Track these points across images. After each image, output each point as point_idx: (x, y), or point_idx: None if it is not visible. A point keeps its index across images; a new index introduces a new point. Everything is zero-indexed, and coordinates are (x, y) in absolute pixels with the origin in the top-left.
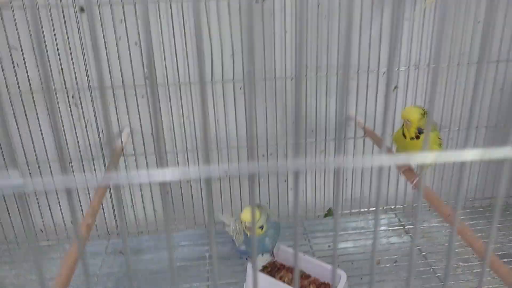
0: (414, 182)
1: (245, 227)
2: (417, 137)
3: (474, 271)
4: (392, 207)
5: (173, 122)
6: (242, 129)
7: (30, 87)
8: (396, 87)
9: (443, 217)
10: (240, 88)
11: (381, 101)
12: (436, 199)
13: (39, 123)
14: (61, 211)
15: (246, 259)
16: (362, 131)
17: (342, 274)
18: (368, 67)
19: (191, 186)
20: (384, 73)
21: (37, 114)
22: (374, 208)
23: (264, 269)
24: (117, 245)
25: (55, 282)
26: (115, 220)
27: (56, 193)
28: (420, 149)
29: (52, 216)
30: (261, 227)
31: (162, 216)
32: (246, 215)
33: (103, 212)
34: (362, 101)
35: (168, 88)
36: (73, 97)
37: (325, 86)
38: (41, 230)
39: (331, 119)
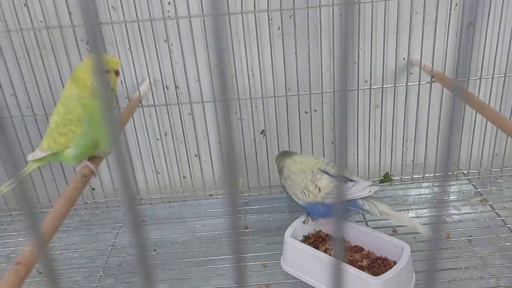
0: None
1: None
2: None
3: None
4: (465, 172)
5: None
6: (280, 74)
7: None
8: (471, 24)
9: None
10: (272, 21)
11: (453, 42)
12: None
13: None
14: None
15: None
16: (429, 75)
17: (405, 247)
18: None
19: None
20: (456, 5)
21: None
22: (441, 174)
23: (306, 240)
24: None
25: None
26: (136, 185)
27: None
28: None
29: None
30: None
31: (190, 182)
32: None
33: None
34: (429, 42)
35: (193, 34)
36: (86, 42)
37: (383, 23)
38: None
39: (389, 65)
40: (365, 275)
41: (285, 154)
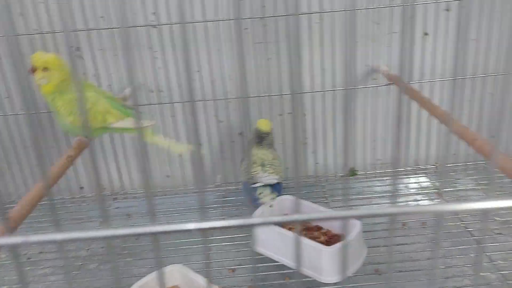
0: None
1: (258, 133)
2: None
3: None
4: (422, 167)
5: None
6: (255, 79)
7: None
8: (425, 34)
9: (468, 143)
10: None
11: (408, 49)
12: (461, 126)
13: None
14: None
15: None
16: (386, 79)
17: (357, 224)
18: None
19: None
20: (411, 17)
21: None
22: (401, 169)
23: None
24: (123, 209)
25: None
26: (121, 182)
27: None
28: None
29: None
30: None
31: (173, 180)
32: (263, 123)
33: (108, 171)
34: (389, 50)
35: (173, 42)
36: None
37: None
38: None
39: (354, 71)
40: (319, 246)
41: (258, 144)
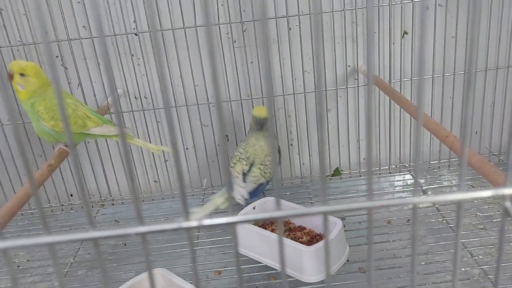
0: None
1: (256, 120)
2: None
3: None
4: (406, 165)
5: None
6: (236, 82)
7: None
8: (405, 33)
9: (440, 140)
10: (230, 38)
11: (386, 49)
12: (433, 123)
13: None
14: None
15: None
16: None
17: (337, 222)
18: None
19: (186, 153)
20: (390, 18)
21: None
22: (386, 167)
23: (256, 224)
24: (110, 215)
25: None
26: (108, 188)
27: None
28: None
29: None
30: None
31: (159, 185)
32: (259, 109)
33: (95, 179)
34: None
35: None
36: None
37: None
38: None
39: (333, 72)
40: (300, 246)
41: (259, 131)
